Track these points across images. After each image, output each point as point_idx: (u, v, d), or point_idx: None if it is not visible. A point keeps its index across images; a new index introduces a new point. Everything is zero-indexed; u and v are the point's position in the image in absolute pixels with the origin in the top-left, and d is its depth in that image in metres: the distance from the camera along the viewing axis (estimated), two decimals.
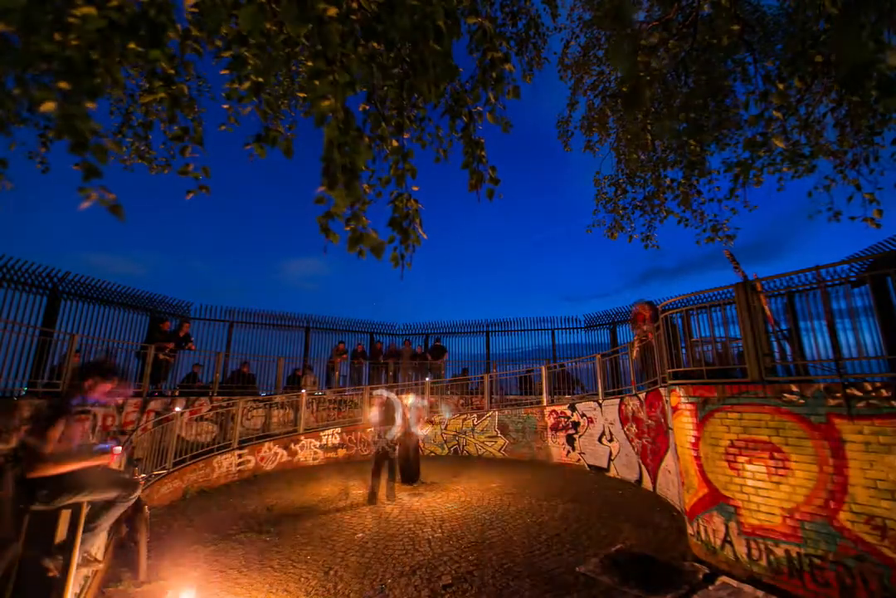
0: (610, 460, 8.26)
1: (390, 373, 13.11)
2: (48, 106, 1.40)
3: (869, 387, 3.22)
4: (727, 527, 3.85)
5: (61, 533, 2.71)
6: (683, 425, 4.41)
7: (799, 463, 3.46)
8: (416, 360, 13.36)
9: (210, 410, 8.86)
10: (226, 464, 7.86)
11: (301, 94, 3.13)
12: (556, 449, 9.65)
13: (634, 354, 7.60)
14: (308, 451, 9.43)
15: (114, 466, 3.40)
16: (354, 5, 2.02)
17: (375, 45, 2.18)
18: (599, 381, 9.16)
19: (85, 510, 2.84)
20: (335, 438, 9.97)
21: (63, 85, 1.43)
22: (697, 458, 4.20)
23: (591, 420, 8.95)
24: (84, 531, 2.83)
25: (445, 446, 11.00)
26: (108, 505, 3.09)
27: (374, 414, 6.79)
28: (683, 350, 5.05)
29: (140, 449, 5.80)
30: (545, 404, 10.29)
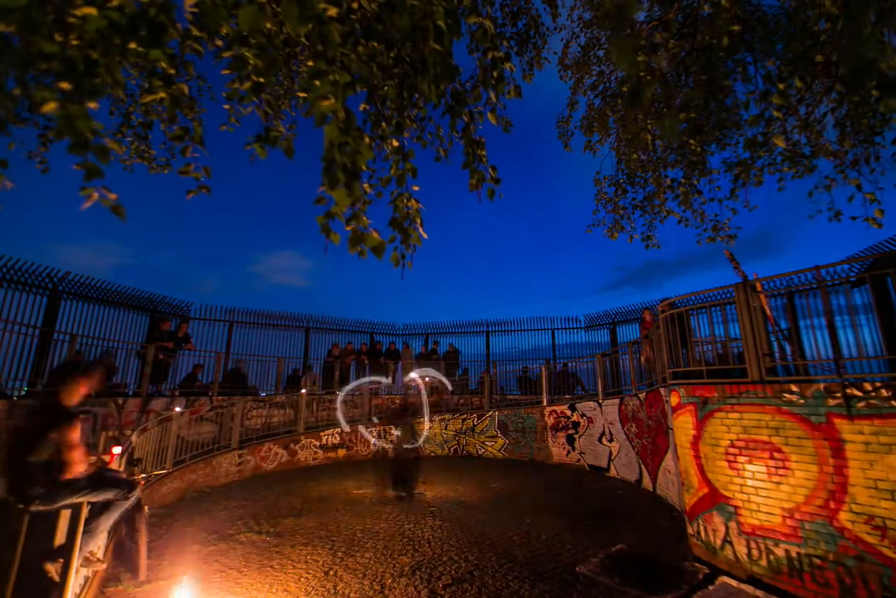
0: (610, 460, 8.26)
1: (391, 373, 13.14)
2: (49, 106, 1.40)
3: (869, 387, 3.21)
4: (727, 527, 3.85)
5: (61, 534, 2.70)
6: (683, 425, 4.41)
7: (799, 463, 3.46)
8: (420, 360, 13.38)
9: (210, 410, 8.86)
10: (226, 464, 7.86)
11: (301, 94, 3.13)
12: (556, 449, 9.65)
13: (643, 358, 7.68)
14: (308, 451, 9.43)
15: (114, 466, 3.40)
16: (354, 5, 2.02)
17: (375, 44, 2.18)
18: (599, 381, 9.16)
19: (85, 511, 2.83)
20: (335, 438, 9.97)
21: (64, 85, 1.43)
22: (697, 458, 4.20)
23: (591, 420, 8.95)
24: (84, 532, 2.82)
25: (445, 446, 11.00)
26: (108, 505, 3.08)
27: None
28: (683, 350, 5.05)
29: (140, 449, 5.80)
30: (545, 404, 10.29)
